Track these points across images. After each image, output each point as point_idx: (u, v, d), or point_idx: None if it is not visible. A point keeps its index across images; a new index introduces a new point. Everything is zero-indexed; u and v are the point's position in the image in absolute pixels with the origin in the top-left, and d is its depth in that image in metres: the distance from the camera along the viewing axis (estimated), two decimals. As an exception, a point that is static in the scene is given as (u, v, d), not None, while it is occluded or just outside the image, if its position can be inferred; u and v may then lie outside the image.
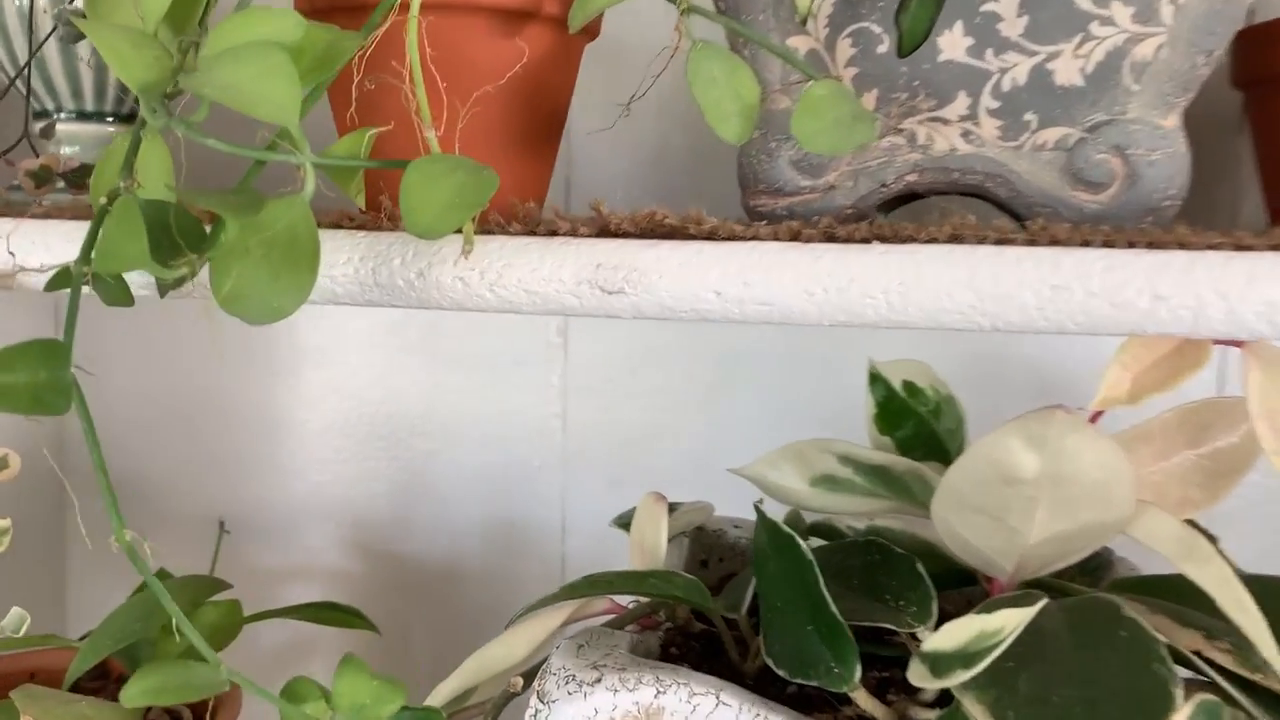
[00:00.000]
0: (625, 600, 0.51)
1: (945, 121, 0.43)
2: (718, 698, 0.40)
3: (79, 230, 0.41)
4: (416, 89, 0.36)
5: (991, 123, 0.43)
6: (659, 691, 0.40)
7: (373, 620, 0.67)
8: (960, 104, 0.43)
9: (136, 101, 0.49)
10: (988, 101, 0.43)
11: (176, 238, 0.32)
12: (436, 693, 0.49)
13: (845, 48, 0.44)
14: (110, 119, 0.51)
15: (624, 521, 0.59)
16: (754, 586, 0.49)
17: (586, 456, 0.78)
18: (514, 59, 0.43)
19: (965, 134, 0.44)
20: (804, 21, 0.44)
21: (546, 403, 0.78)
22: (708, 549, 0.60)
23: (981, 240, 0.35)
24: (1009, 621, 0.37)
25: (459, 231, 0.35)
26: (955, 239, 0.36)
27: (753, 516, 0.48)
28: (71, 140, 0.51)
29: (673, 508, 0.62)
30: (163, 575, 0.61)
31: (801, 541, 0.43)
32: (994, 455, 0.39)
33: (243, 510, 0.82)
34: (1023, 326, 0.34)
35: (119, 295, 0.38)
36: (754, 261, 0.35)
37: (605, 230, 0.37)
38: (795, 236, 0.37)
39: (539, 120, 0.46)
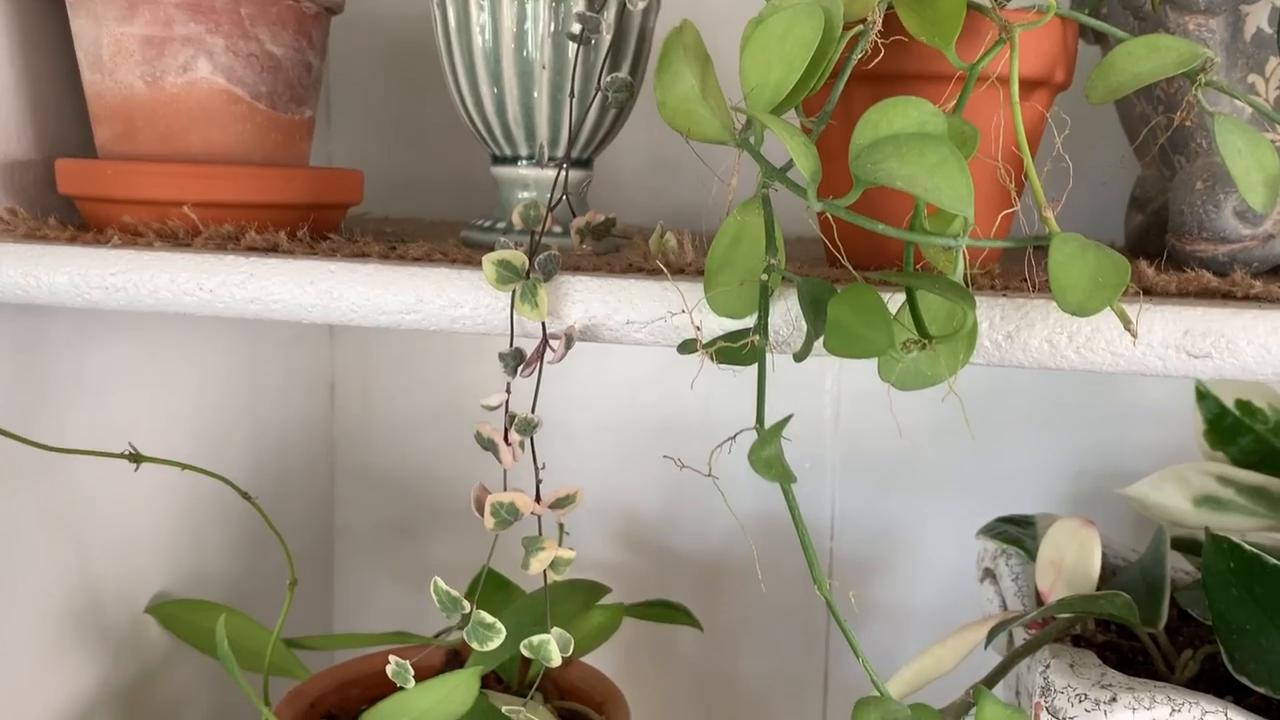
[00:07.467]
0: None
1: None
2: (1226, 715, 0.44)
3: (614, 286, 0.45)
4: (1028, 171, 0.39)
5: None
6: (1174, 710, 0.44)
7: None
8: None
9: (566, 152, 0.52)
10: None
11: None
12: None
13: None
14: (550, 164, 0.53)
15: (998, 532, 0.63)
16: (1170, 601, 0.52)
17: (856, 460, 0.82)
18: (1031, 124, 0.46)
19: None
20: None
21: (821, 407, 0.81)
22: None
23: None
24: None
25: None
26: None
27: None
28: (524, 185, 0.53)
29: (1023, 520, 0.66)
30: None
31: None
32: None
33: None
34: None
35: (743, 359, 0.41)
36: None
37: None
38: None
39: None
